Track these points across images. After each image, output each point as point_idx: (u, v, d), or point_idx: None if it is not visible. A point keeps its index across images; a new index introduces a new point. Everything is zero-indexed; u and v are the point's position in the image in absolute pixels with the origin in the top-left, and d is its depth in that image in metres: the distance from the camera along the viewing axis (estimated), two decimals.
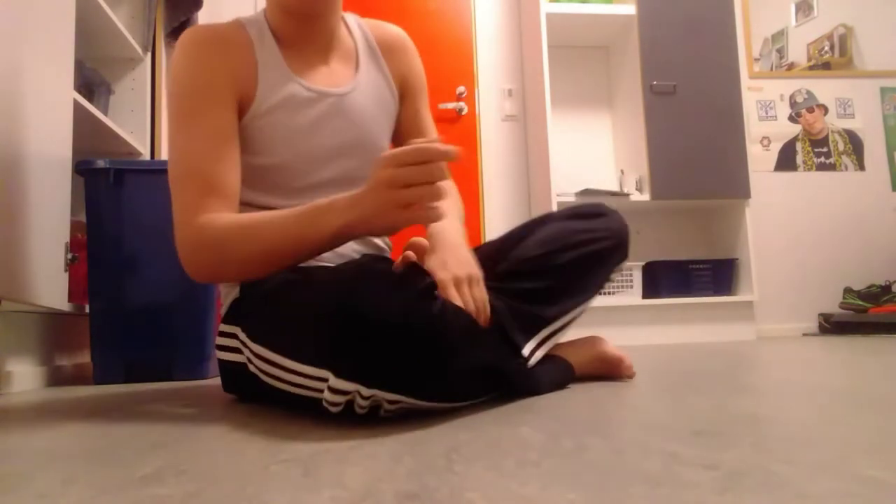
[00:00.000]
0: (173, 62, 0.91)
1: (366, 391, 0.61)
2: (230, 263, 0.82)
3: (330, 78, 0.99)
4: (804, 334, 3.17)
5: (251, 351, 0.79)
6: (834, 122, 3.40)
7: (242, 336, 0.83)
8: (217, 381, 1.41)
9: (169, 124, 0.90)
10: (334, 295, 0.63)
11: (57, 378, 1.46)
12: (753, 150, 3.31)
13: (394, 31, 1.10)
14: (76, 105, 1.49)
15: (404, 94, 1.09)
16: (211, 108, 0.87)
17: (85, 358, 1.64)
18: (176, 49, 0.91)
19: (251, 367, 0.81)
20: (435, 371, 0.64)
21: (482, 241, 3.01)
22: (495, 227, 3.09)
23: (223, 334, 0.92)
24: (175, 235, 0.84)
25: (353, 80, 1.01)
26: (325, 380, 0.62)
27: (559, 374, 0.95)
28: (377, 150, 1.00)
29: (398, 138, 1.11)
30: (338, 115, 0.97)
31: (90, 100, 1.76)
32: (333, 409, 0.64)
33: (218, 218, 0.82)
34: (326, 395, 0.63)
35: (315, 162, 0.96)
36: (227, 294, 0.96)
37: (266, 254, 0.80)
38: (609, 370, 1.05)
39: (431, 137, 0.90)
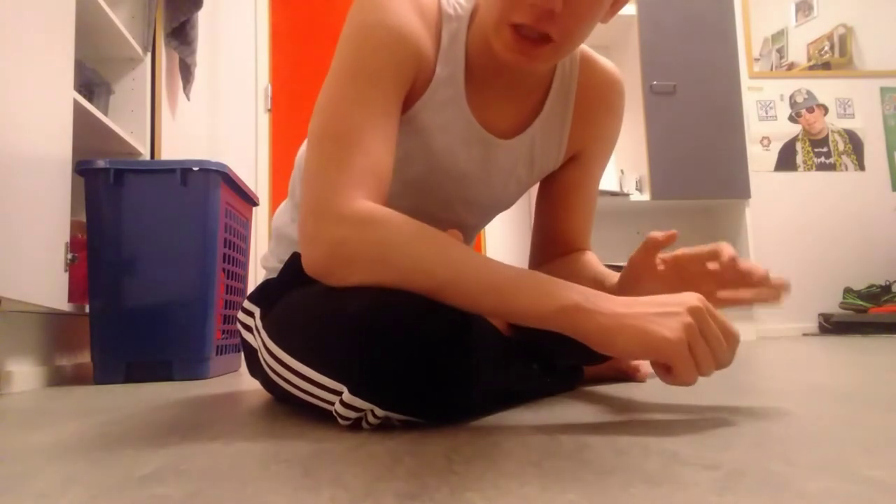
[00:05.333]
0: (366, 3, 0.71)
1: (380, 412, 0.59)
2: (391, 271, 0.61)
3: (501, 117, 0.83)
4: (804, 334, 3.17)
5: (265, 345, 0.73)
6: (834, 122, 3.40)
7: (258, 321, 0.78)
8: (217, 381, 1.41)
9: (336, 66, 0.70)
10: (369, 306, 0.59)
11: (57, 378, 1.46)
12: (753, 150, 3.31)
13: (604, 76, 0.89)
14: (76, 105, 1.49)
15: (574, 158, 0.92)
16: (391, 80, 0.69)
17: (85, 358, 1.64)
18: None
19: (261, 358, 0.75)
20: (459, 398, 0.61)
21: (483, 249, 3.03)
22: (495, 226, 3.09)
23: (246, 311, 0.83)
24: (311, 207, 0.64)
25: (523, 131, 0.85)
26: (339, 393, 0.59)
27: (570, 381, 0.95)
28: (478, 207, 0.90)
29: (540, 194, 0.96)
30: (478, 165, 0.83)
31: (90, 100, 1.76)
32: (343, 423, 0.61)
33: (388, 210, 0.63)
34: (338, 407, 0.60)
35: (408, 188, 0.83)
36: (268, 271, 0.91)
37: (447, 284, 0.60)
38: (623, 376, 1.05)
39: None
